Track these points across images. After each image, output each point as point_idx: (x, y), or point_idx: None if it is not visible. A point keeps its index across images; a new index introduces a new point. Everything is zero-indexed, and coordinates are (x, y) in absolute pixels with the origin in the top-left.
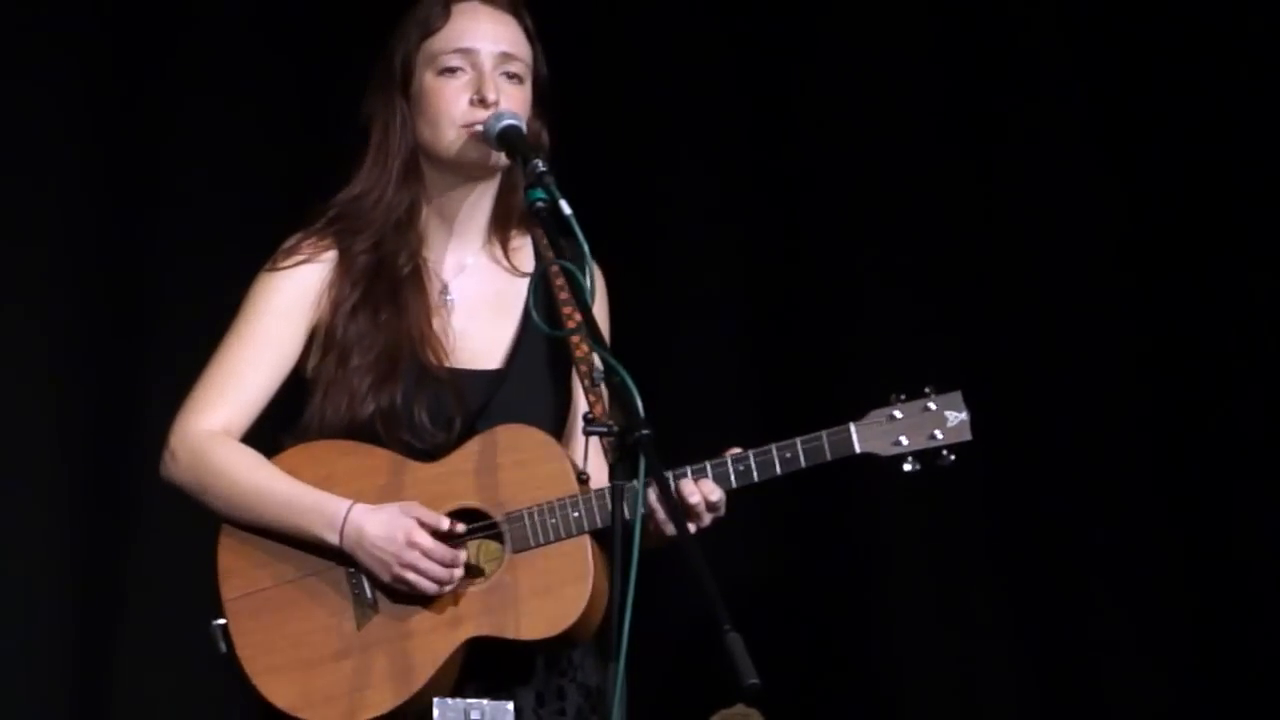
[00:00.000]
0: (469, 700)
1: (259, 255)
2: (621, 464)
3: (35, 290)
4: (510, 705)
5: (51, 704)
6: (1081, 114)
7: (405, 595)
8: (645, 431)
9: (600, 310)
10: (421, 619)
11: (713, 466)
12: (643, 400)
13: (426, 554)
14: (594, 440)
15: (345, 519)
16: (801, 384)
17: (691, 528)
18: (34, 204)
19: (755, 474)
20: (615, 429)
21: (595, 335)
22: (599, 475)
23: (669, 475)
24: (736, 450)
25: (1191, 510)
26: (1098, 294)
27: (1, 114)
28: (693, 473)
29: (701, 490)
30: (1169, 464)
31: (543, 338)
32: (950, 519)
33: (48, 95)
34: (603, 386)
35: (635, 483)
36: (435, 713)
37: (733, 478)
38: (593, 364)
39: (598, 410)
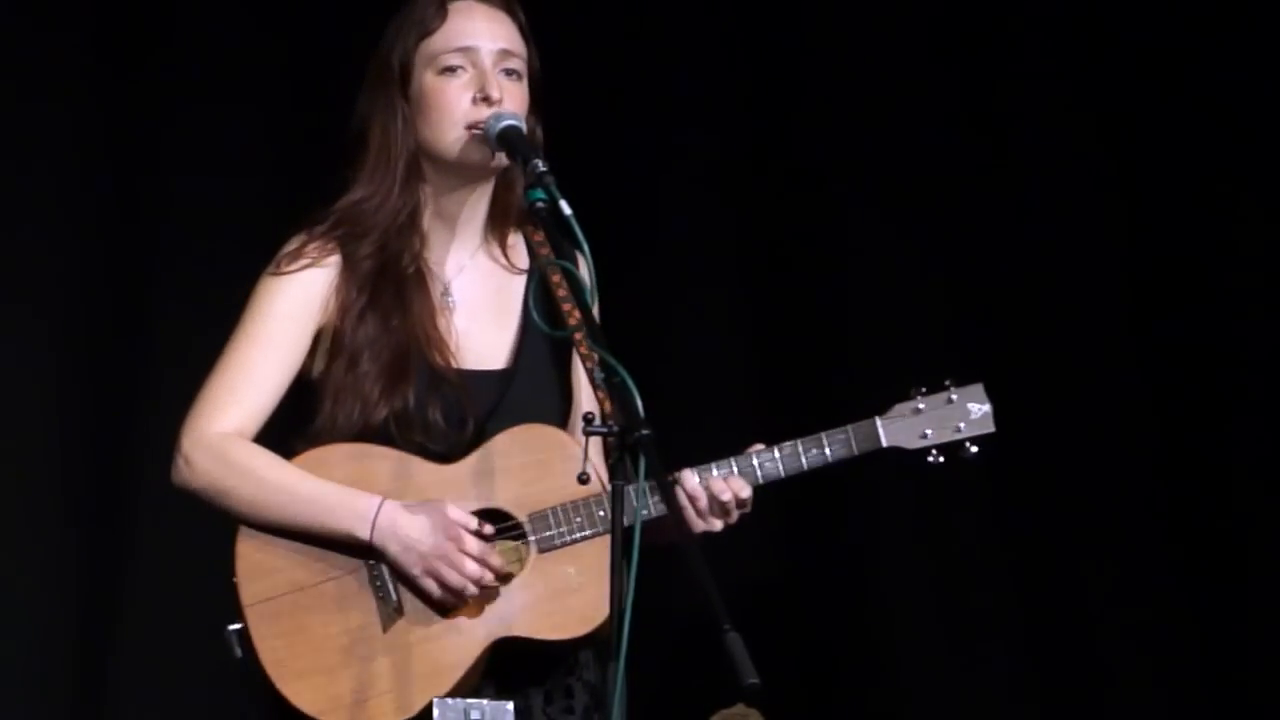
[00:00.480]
0: (469, 700)
1: (259, 257)
2: (622, 464)
3: (36, 291)
4: (510, 705)
5: (52, 706)
6: (1087, 109)
7: (429, 596)
8: (645, 432)
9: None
10: (446, 620)
11: (738, 462)
12: (643, 399)
13: (460, 546)
14: (596, 440)
15: (378, 512)
16: (802, 381)
17: (719, 524)
18: (34, 205)
19: (782, 470)
20: (615, 429)
21: (595, 335)
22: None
23: (695, 471)
24: (760, 446)
25: (1193, 513)
26: (1099, 293)
27: (2, 115)
28: (718, 470)
29: (732, 487)
30: (1170, 464)
31: (544, 335)
32: (950, 518)
33: (48, 96)
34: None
35: (636, 482)
36: (435, 713)
37: (760, 474)
38: (597, 362)
39: (608, 407)
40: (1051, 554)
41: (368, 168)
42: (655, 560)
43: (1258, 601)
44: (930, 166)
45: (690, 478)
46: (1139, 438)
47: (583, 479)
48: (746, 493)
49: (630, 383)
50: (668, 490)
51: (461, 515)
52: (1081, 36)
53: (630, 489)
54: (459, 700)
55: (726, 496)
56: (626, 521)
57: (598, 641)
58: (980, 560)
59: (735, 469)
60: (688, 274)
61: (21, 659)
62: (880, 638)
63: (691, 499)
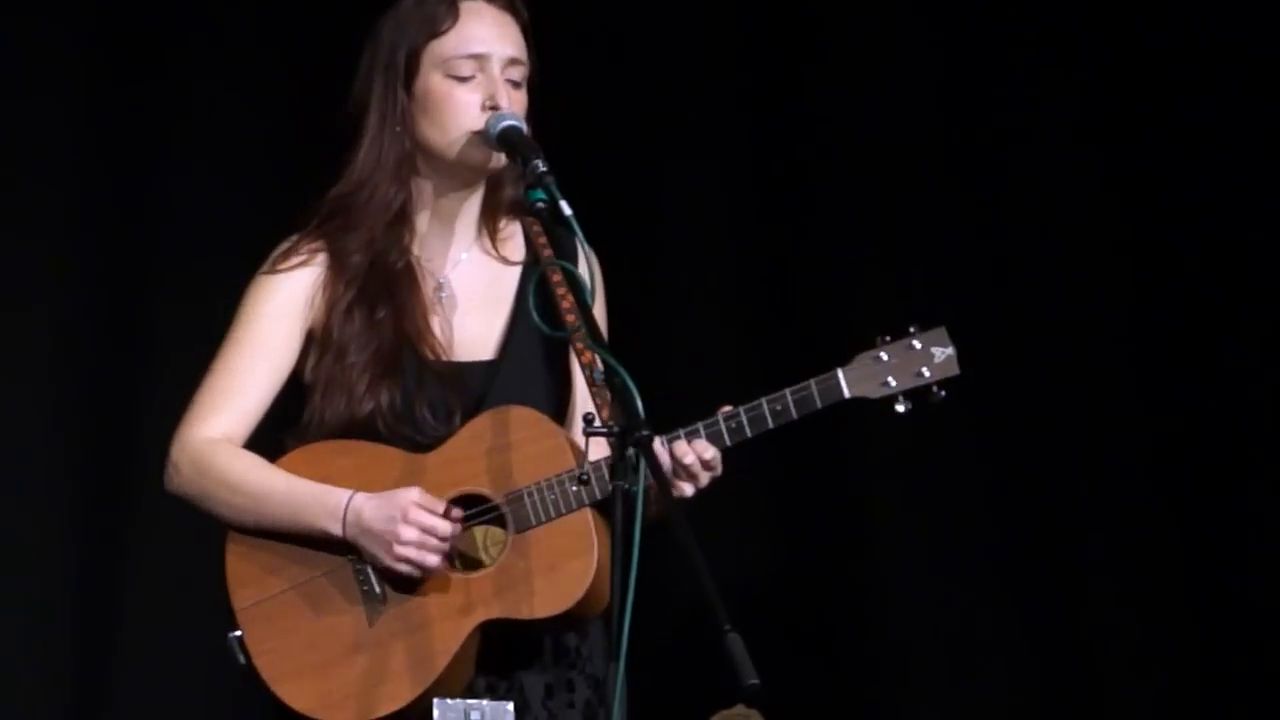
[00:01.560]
0: (469, 700)
1: (256, 261)
2: (622, 464)
3: (36, 295)
4: (510, 705)
5: (53, 709)
6: (1078, 96)
7: (413, 586)
8: (645, 432)
9: (597, 300)
10: (431, 609)
11: (705, 426)
12: (642, 394)
13: (423, 528)
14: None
15: (346, 507)
16: (799, 374)
17: (689, 489)
18: (34, 206)
19: (747, 429)
20: (615, 429)
21: (595, 336)
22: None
23: (663, 439)
24: (728, 408)
25: (1188, 478)
26: (1097, 264)
27: (2, 117)
28: (685, 434)
29: (695, 450)
30: (1166, 432)
31: (536, 326)
32: (950, 512)
33: (47, 99)
34: (603, 385)
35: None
36: (435, 713)
37: (725, 435)
38: (595, 361)
39: (600, 402)
40: (1052, 548)
41: (360, 155)
42: (656, 560)
43: (1258, 584)
44: (930, 165)
45: (654, 445)
46: (1139, 422)
47: (583, 478)
48: (710, 453)
49: (630, 383)
50: (664, 486)
51: (425, 498)
52: (1077, 34)
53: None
54: (459, 701)
55: (690, 459)
56: (606, 494)
57: (601, 635)
58: (979, 557)
59: (701, 432)
60: (686, 272)
61: (21, 665)
62: (880, 638)
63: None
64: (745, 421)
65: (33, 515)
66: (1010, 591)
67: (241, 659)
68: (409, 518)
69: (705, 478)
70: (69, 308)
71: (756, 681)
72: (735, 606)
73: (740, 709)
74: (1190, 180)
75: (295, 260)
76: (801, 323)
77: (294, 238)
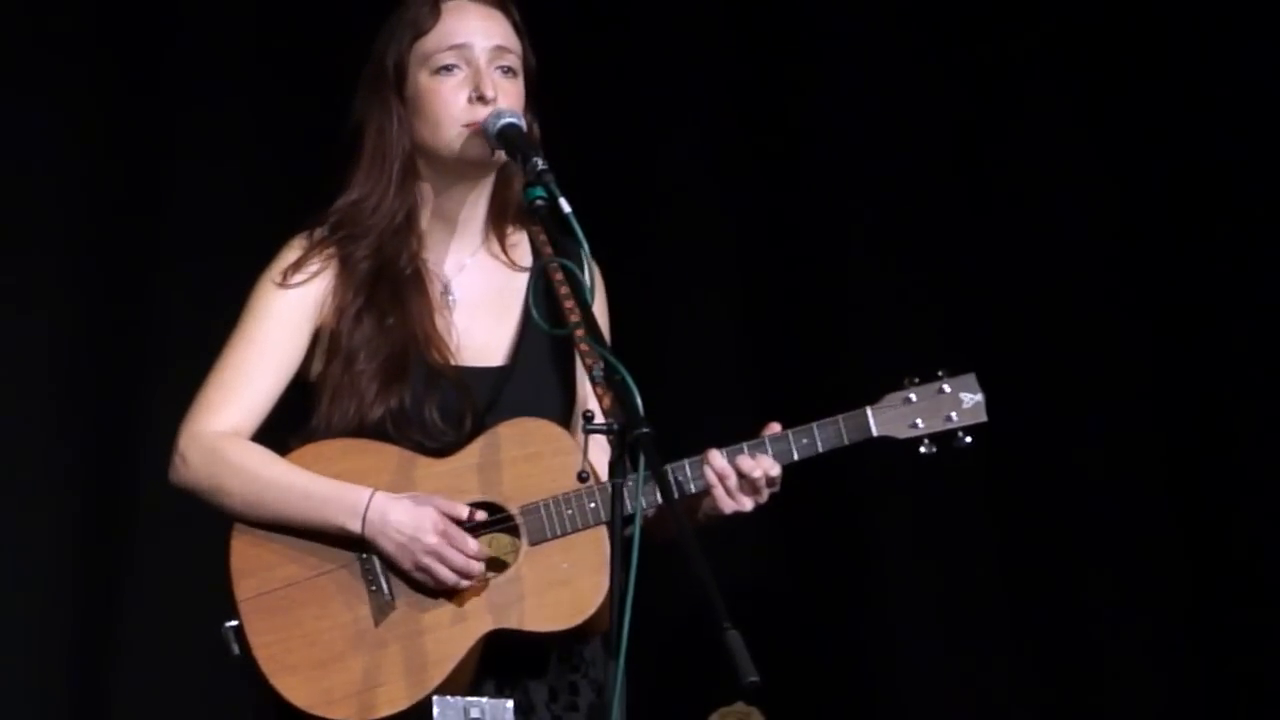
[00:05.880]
0: (468, 699)
1: (260, 259)
2: (622, 461)
3: (36, 293)
4: (510, 704)
5: (54, 705)
6: (1081, 100)
7: (422, 589)
8: (645, 429)
9: (599, 307)
10: (439, 614)
11: (771, 442)
12: (641, 394)
13: (450, 541)
14: (597, 437)
15: (368, 505)
16: (800, 378)
17: (750, 503)
18: (35, 205)
19: (795, 455)
20: (615, 427)
21: (594, 333)
22: (602, 472)
23: (722, 451)
24: (776, 428)
25: (1194, 504)
26: (1097, 286)
27: (3, 117)
28: (749, 448)
29: (761, 465)
30: (1171, 457)
31: (545, 332)
32: (949, 516)
33: (49, 98)
34: (604, 383)
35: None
36: (435, 710)
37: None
38: (596, 360)
39: (606, 404)
40: (1052, 553)
41: (363, 169)
42: (655, 559)
43: (1260, 603)
44: (929, 163)
45: (718, 457)
46: (1140, 439)
47: (582, 477)
48: (776, 470)
49: (630, 380)
50: (665, 486)
51: (451, 506)
52: (1078, 38)
53: (628, 486)
54: (459, 699)
55: (757, 474)
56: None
57: (602, 638)
58: (980, 560)
59: (769, 447)
60: (686, 271)
61: (21, 659)
62: (880, 635)
63: (720, 477)
64: (771, 453)
65: (33, 515)
66: (1012, 592)
67: (236, 649)
68: (438, 526)
69: (767, 494)
70: (70, 308)
71: (756, 678)
72: (735, 606)
73: (740, 706)
74: (1217, 237)
75: (305, 271)
76: (800, 322)
77: (302, 243)
